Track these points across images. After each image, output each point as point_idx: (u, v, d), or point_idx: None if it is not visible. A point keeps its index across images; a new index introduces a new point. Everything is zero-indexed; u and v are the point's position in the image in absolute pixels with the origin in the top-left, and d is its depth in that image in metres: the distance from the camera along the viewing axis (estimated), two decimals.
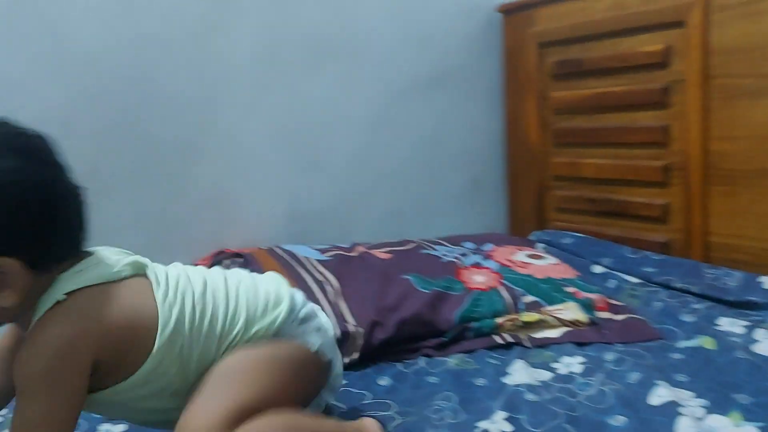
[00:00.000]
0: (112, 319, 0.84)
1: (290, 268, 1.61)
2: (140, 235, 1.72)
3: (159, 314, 0.87)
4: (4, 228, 0.78)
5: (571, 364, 1.27)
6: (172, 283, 0.91)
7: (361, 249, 1.74)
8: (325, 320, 1.07)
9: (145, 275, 0.91)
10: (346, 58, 1.98)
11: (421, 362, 1.33)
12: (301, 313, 1.01)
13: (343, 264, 1.63)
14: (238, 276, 1.01)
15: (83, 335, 0.81)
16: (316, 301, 1.45)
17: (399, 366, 1.33)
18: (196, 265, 1.75)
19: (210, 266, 1.73)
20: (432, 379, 1.26)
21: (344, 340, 1.34)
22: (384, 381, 1.27)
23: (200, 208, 1.81)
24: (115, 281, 0.87)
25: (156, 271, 0.92)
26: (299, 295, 1.04)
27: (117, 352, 0.84)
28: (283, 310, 0.97)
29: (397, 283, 1.52)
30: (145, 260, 0.94)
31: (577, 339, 1.39)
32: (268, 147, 1.89)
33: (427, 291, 1.49)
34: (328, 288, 1.51)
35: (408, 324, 1.41)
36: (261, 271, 1.56)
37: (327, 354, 1.02)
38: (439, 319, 1.44)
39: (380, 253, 1.70)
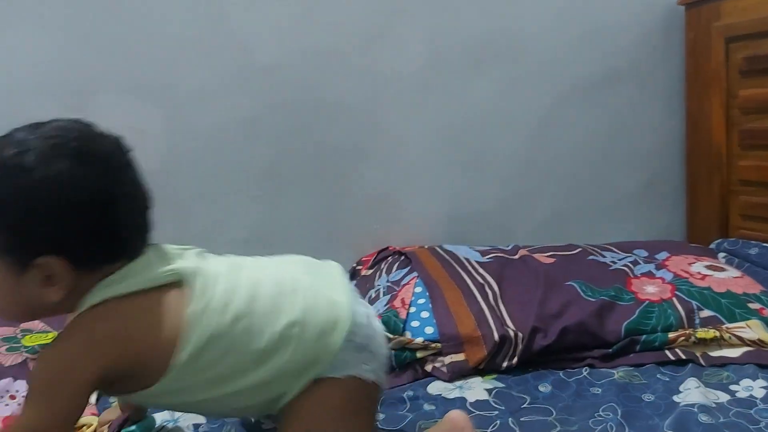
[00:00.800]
0: (126, 335, 0.83)
1: (451, 269, 1.62)
2: (311, 230, 1.82)
3: (183, 334, 0.83)
4: (52, 227, 0.81)
5: (752, 387, 1.16)
6: (216, 294, 0.86)
7: (523, 252, 1.71)
8: (380, 333, 0.97)
9: (186, 282, 0.86)
10: (509, 60, 1.95)
11: (584, 372, 1.29)
12: (359, 338, 0.91)
13: (504, 267, 1.61)
14: (298, 284, 0.92)
15: (87, 354, 0.81)
16: (476, 304, 1.45)
17: (561, 374, 1.29)
18: (362, 261, 1.84)
19: (373, 263, 1.82)
20: (595, 390, 1.21)
21: (503, 344, 1.33)
22: (544, 387, 1.24)
23: (365, 207, 1.88)
24: (147, 291, 0.84)
25: (203, 277, 0.87)
26: (361, 309, 0.94)
27: (131, 367, 0.84)
28: (339, 337, 0.88)
29: (560, 289, 1.48)
30: (196, 264, 0.89)
31: (761, 360, 1.26)
32: (432, 149, 1.92)
33: (593, 299, 1.44)
34: (488, 291, 1.50)
35: (571, 332, 1.37)
36: (423, 270, 1.60)
37: (381, 380, 0.95)
38: (605, 329, 1.38)
39: (543, 258, 1.66)
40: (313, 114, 1.77)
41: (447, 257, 1.71)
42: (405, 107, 1.86)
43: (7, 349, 1.32)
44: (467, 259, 1.68)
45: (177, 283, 0.86)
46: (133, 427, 1.05)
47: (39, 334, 1.40)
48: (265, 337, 0.85)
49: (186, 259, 0.90)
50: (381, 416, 1.19)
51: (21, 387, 1.24)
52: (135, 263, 0.86)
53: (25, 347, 1.34)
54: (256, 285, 0.89)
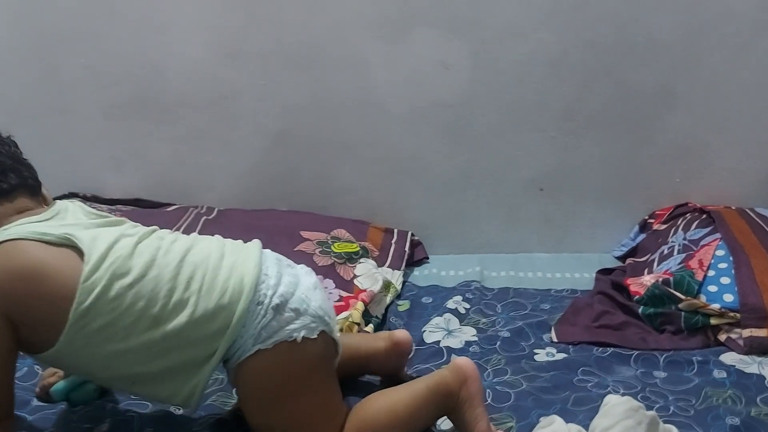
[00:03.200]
0: (20, 275, 0.87)
1: (763, 234, 1.45)
2: (604, 177, 1.75)
3: (78, 291, 0.86)
4: None
5: None
6: (106, 262, 0.89)
7: None
8: (311, 289, 0.97)
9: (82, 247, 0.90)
10: None
11: None
12: (274, 300, 0.92)
13: None
14: (203, 253, 0.96)
15: None
16: None
17: None
18: (655, 215, 1.73)
19: (668, 218, 1.70)
20: None
21: None
22: None
23: (667, 157, 1.74)
24: (51, 243, 0.90)
25: (95, 245, 0.90)
26: (272, 275, 0.95)
27: (31, 315, 0.88)
28: (240, 307, 0.90)
29: None
30: (95, 233, 0.93)
31: None
32: (756, 97, 1.69)
33: None
34: None
35: None
36: (729, 233, 1.45)
37: (317, 329, 0.94)
38: None
39: None
40: (620, 52, 1.66)
41: (759, 221, 1.53)
42: (729, 46, 1.65)
43: (321, 252, 1.51)
44: None
45: (73, 246, 0.90)
46: (61, 383, 1.06)
47: (345, 243, 1.58)
48: (159, 303, 0.88)
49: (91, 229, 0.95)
50: (662, 374, 1.14)
51: (329, 285, 1.42)
52: (47, 212, 0.96)
53: (334, 252, 1.52)
54: (159, 254, 0.93)
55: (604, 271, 1.58)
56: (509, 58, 1.68)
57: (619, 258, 1.72)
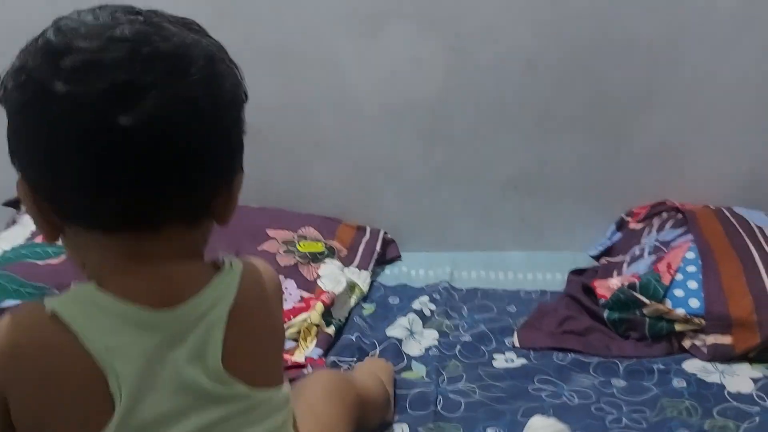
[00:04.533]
0: None
1: (736, 237, 1.42)
2: (581, 175, 1.72)
3: None
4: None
5: None
6: None
7: None
8: None
9: None
10: None
11: None
12: None
13: None
14: None
15: None
16: (759, 283, 1.26)
17: None
18: (632, 213, 1.70)
19: (645, 217, 1.67)
20: None
21: None
22: None
23: (646, 156, 1.70)
24: None
25: None
26: None
27: None
28: None
29: None
30: None
31: None
32: (737, 97, 1.65)
33: None
34: None
35: None
36: (700, 235, 1.42)
37: None
38: None
39: None
40: (599, 51, 1.62)
41: (734, 222, 1.49)
42: (710, 44, 1.61)
43: (285, 251, 1.50)
44: (760, 228, 1.45)
45: None
46: None
47: (311, 242, 1.56)
48: None
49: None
50: (620, 383, 1.12)
51: (290, 285, 1.41)
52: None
53: (299, 252, 1.50)
54: None
55: (577, 272, 1.56)
56: (486, 56, 1.65)
57: (595, 257, 1.69)
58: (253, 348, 0.67)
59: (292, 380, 1.09)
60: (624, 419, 1.03)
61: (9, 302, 1.15)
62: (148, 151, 0.57)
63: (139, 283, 0.61)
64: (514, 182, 1.73)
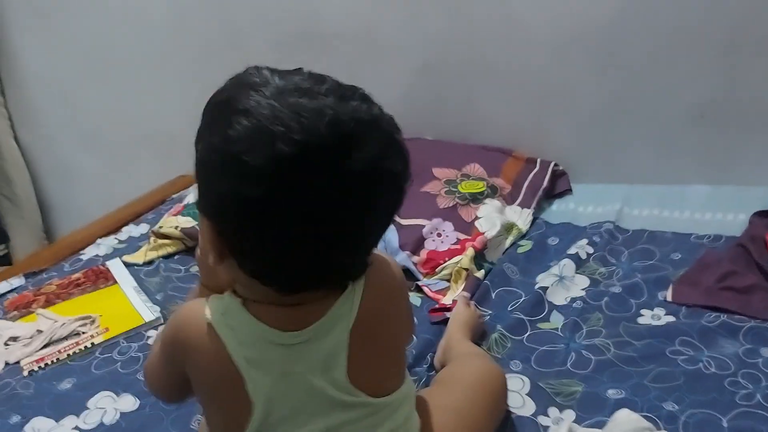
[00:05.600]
0: None
1: None
2: None
3: None
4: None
5: None
6: None
7: None
8: None
9: None
10: None
11: None
12: None
13: None
14: None
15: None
16: None
17: None
18: None
19: None
20: None
21: None
22: None
23: None
24: None
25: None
26: None
27: None
28: None
29: None
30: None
31: None
32: None
33: None
34: None
35: None
36: None
37: None
38: None
39: None
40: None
41: None
42: None
43: (446, 192, 1.57)
44: None
45: None
46: None
47: (473, 181, 1.61)
48: None
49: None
50: None
51: (447, 227, 1.49)
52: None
53: (459, 193, 1.57)
54: None
55: (763, 214, 1.43)
56: None
57: None
58: (376, 360, 0.76)
59: (435, 323, 1.22)
60: (758, 396, 0.99)
61: None
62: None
63: (275, 313, 0.72)
64: (701, 110, 1.59)
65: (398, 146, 0.68)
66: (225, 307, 0.74)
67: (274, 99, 0.63)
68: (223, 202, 0.65)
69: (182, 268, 1.54)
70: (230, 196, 0.64)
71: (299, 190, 0.62)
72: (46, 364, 1.26)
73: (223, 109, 0.66)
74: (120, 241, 1.70)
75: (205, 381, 0.77)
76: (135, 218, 1.81)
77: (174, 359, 0.78)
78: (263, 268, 0.68)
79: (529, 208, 1.58)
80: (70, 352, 1.28)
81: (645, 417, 0.94)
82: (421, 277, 1.40)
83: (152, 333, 1.32)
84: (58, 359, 1.27)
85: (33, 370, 1.24)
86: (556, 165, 1.70)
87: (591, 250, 1.42)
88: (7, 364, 1.27)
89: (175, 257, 1.58)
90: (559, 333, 1.20)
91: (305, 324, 0.72)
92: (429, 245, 1.45)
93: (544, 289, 1.31)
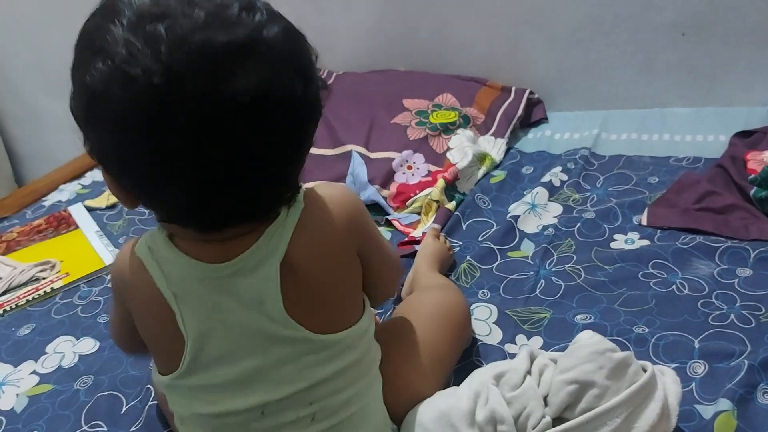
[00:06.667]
0: None
1: None
2: (764, 16, 1.46)
3: None
4: None
5: None
6: None
7: None
8: None
9: None
10: None
11: None
12: None
13: None
14: None
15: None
16: None
17: None
18: None
19: None
20: None
21: None
22: None
23: None
24: None
25: None
26: None
27: None
28: None
29: None
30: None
31: None
32: None
33: None
34: None
35: None
36: None
37: None
38: None
39: None
40: None
41: None
42: None
43: (417, 123, 1.51)
44: None
45: None
46: None
47: (445, 111, 1.55)
48: None
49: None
50: (746, 273, 1.03)
51: (417, 159, 1.44)
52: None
53: (430, 124, 1.51)
54: None
55: (744, 134, 1.38)
56: None
57: None
58: (317, 301, 0.70)
59: (404, 256, 1.19)
60: (732, 316, 0.96)
61: None
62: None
63: (202, 247, 0.68)
64: (682, 27, 1.52)
65: (291, 64, 0.60)
66: (153, 241, 0.71)
67: (130, 31, 0.56)
68: (101, 151, 0.61)
69: (145, 210, 1.49)
70: (104, 143, 0.60)
71: (172, 131, 0.56)
72: (5, 311, 1.22)
73: (83, 47, 0.60)
74: (83, 186, 1.66)
75: (143, 318, 0.74)
76: None
77: (118, 299, 0.77)
78: (170, 213, 0.65)
79: (503, 137, 1.53)
80: (29, 298, 1.25)
81: (614, 341, 0.90)
82: (391, 211, 1.36)
83: None
84: (17, 305, 1.24)
85: None
86: (531, 93, 1.64)
87: (565, 177, 1.38)
88: None
89: None
90: (529, 261, 1.16)
91: (231, 257, 0.68)
92: (399, 178, 1.40)
93: (516, 218, 1.26)
